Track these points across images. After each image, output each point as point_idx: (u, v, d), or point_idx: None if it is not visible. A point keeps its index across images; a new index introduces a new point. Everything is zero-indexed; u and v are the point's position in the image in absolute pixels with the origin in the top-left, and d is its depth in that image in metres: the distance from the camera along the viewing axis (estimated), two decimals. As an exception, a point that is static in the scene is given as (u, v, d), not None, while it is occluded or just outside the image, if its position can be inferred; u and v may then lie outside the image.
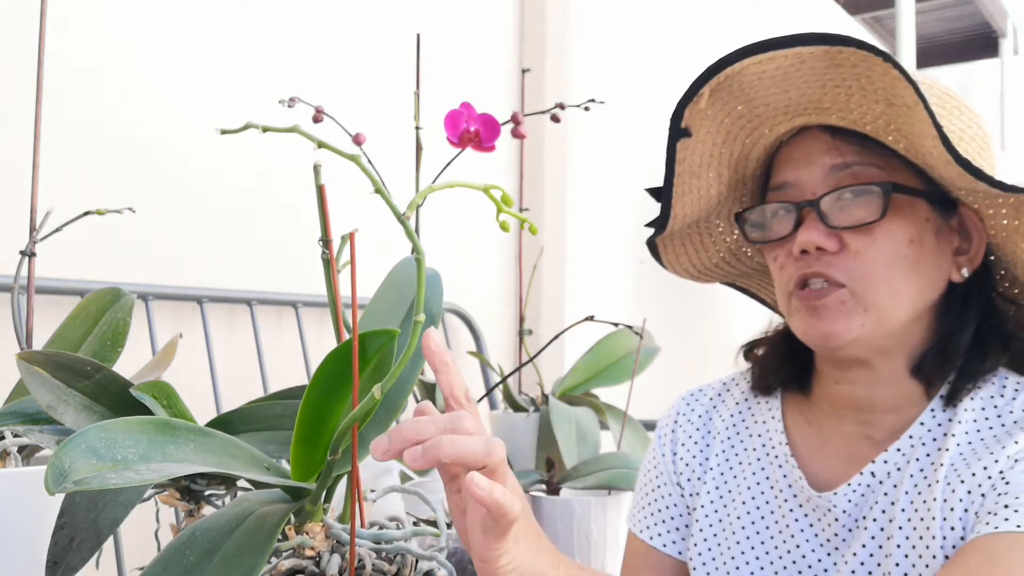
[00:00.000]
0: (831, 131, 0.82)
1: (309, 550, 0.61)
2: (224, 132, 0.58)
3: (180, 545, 0.58)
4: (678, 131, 0.84)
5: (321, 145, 0.58)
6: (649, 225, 0.93)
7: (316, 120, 1.36)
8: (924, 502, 0.78)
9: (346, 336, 0.63)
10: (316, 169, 0.58)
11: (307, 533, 0.62)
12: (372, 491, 0.76)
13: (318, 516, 0.64)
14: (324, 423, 0.63)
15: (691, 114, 0.82)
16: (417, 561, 0.64)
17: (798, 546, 0.86)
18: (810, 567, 0.85)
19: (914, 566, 0.77)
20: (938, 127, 0.71)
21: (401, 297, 0.70)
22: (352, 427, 0.59)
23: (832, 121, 0.81)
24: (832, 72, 0.76)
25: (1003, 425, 0.78)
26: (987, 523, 0.72)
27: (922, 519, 0.78)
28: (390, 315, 0.69)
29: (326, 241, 0.62)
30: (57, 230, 0.90)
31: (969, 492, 0.75)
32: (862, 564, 0.81)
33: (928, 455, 0.80)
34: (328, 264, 0.63)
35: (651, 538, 0.97)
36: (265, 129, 0.58)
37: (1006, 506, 0.72)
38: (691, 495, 0.96)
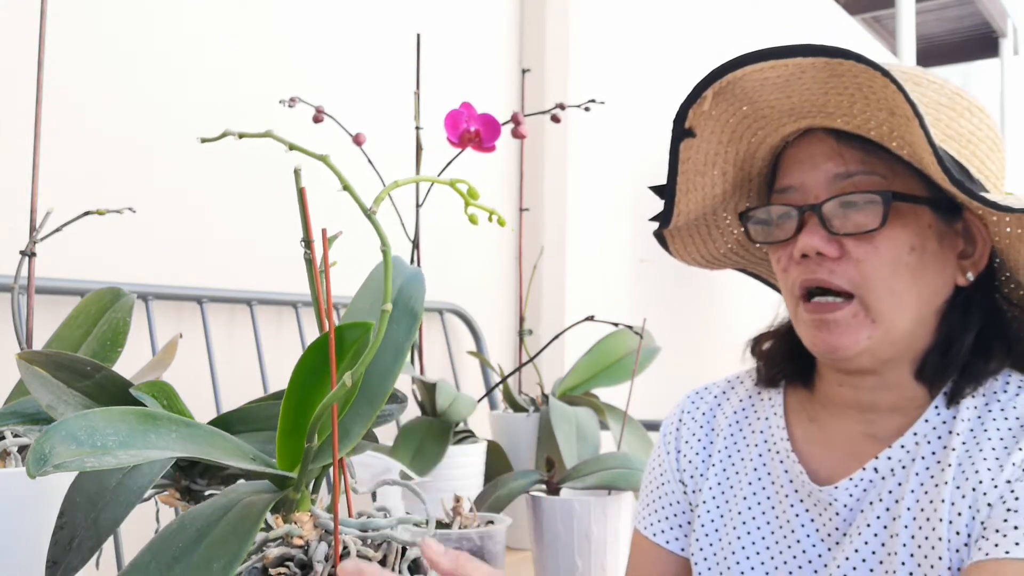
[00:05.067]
0: (835, 135, 0.82)
1: (297, 539, 0.63)
2: (204, 140, 0.60)
3: (170, 533, 0.60)
4: (682, 132, 0.84)
5: (292, 147, 0.61)
6: (653, 220, 0.93)
7: (316, 120, 1.36)
8: (931, 502, 0.78)
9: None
10: (296, 173, 0.61)
11: (296, 522, 0.63)
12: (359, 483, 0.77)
13: (304, 505, 0.65)
14: (305, 413, 0.65)
15: (695, 115, 0.82)
16: (404, 551, 0.65)
17: (798, 540, 0.86)
18: (810, 561, 0.85)
19: (919, 566, 0.77)
20: (934, 147, 0.70)
21: (381, 295, 0.72)
22: (327, 414, 0.61)
23: (837, 125, 0.81)
24: (834, 81, 0.76)
25: (1010, 429, 0.78)
26: (996, 544, 0.72)
27: (928, 519, 0.78)
28: (370, 312, 0.70)
29: (308, 242, 0.64)
30: (57, 230, 0.90)
31: (975, 494, 0.75)
32: (863, 561, 0.81)
33: (934, 453, 0.80)
34: (310, 264, 0.65)
35: (654, 535, 0.97)
36: (241, 135, 0.60)
37: (1015, 527, 0.72)
38: (694, 492, 0.96)
